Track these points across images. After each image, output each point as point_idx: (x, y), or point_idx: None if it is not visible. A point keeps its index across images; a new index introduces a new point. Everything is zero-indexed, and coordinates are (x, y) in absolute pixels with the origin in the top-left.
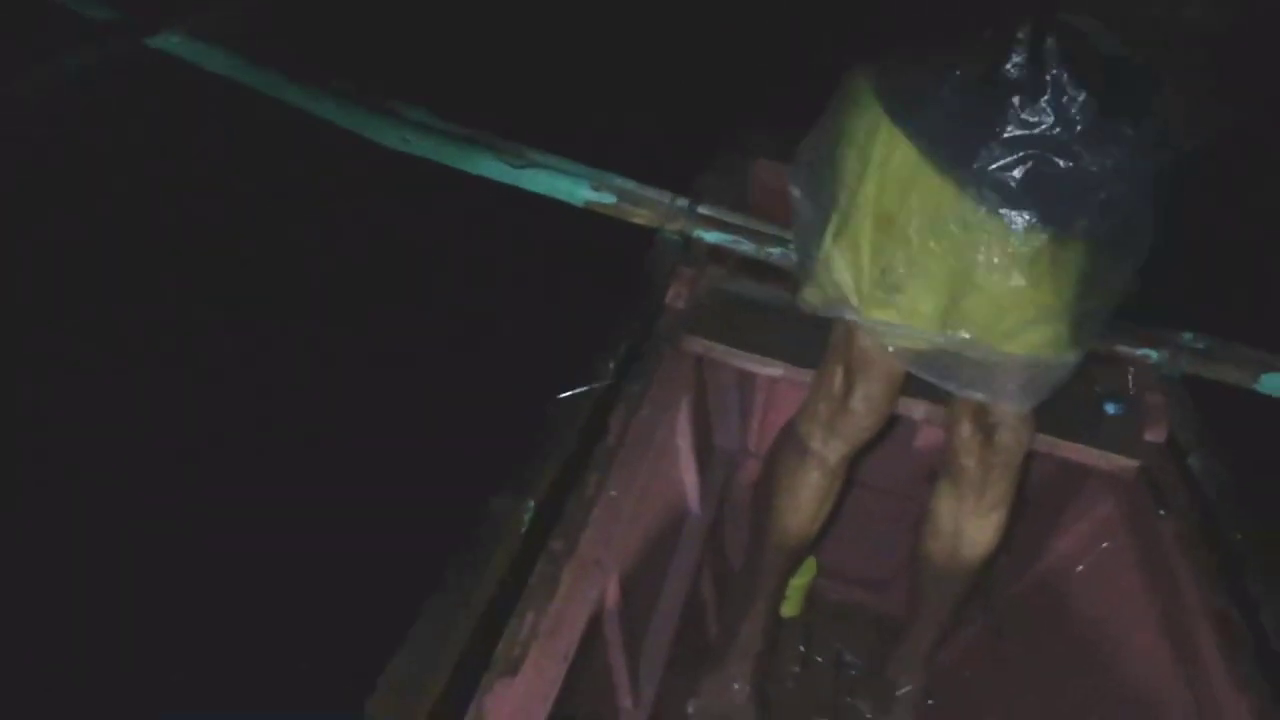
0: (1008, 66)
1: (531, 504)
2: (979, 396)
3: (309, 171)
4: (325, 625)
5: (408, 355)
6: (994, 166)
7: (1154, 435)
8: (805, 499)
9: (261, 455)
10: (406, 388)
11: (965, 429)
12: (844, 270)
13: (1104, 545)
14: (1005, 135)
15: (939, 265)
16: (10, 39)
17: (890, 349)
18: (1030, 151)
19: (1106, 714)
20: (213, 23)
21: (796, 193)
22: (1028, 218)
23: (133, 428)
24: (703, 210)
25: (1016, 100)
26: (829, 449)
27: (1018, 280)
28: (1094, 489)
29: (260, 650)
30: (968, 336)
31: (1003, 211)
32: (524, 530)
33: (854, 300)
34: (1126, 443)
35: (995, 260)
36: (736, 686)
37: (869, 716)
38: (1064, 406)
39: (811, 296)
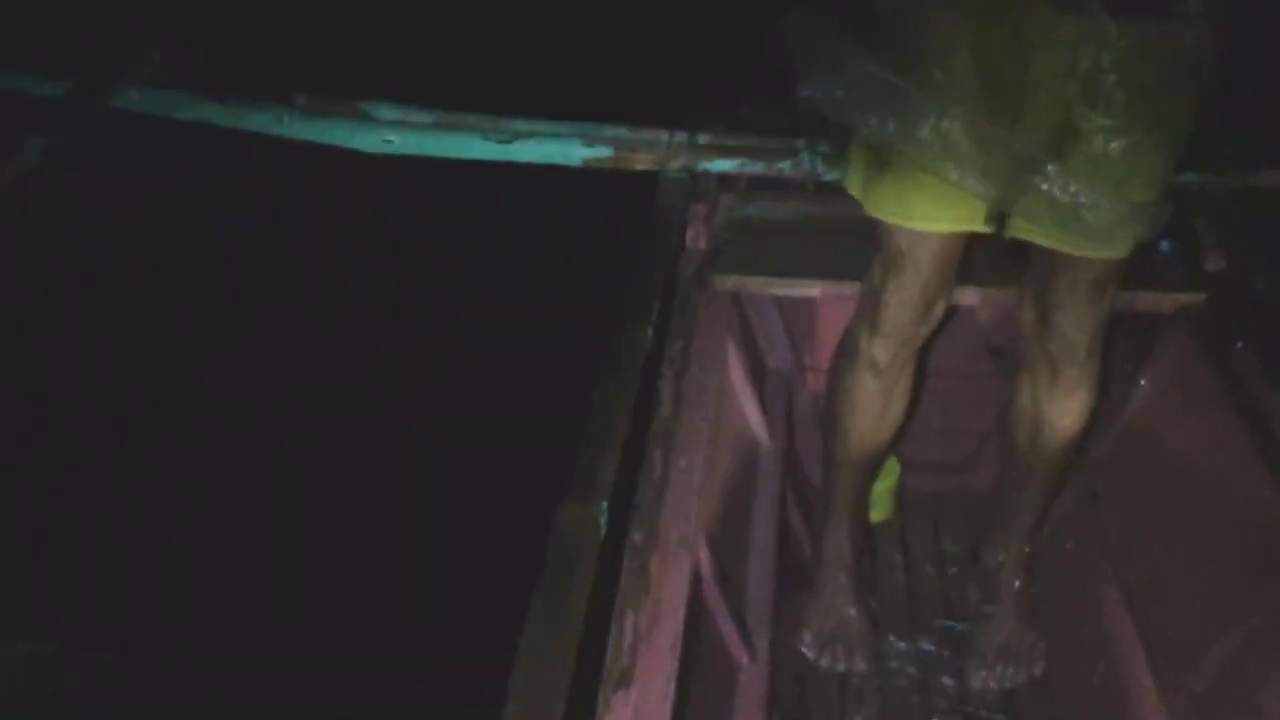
0: None
1: (604, 505)
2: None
3: (303, 191)
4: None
5: (436, 353)
6: None
7: (1214, 264)
8: (863, 404)
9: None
10: (441, 389)
11: (1027, 315)
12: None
13: (1186, 389)
14: None
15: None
16: None
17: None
18: None
19: (1218, 561)
20: (160, 66)
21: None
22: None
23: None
24: (703, 140)
25: None
26: (876, 347)
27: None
28: (1164, 334)
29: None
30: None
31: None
32: (602, 535)
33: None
34: (1187, 278)
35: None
36: (841, 603)
37: (979, 604)
38: None
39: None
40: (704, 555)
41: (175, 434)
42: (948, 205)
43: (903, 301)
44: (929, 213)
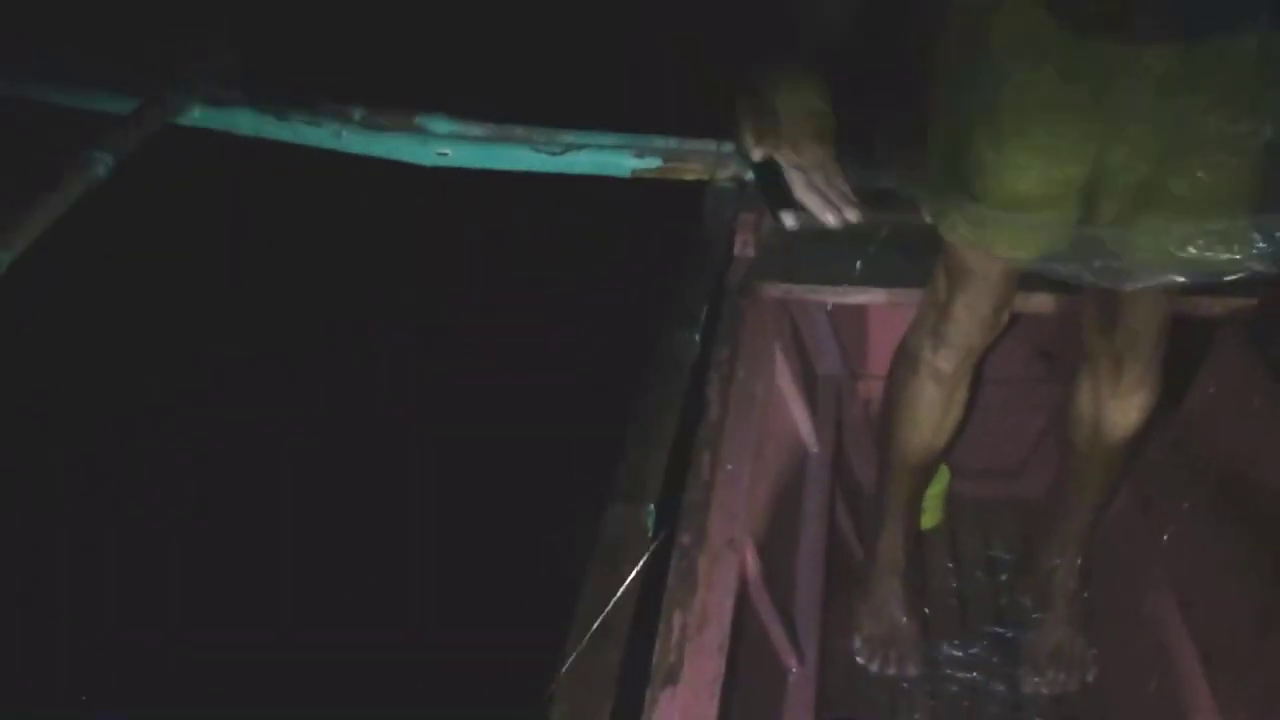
0: None
1: (651, 507)
2: (1111, 284)
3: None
4: (447, 654)
5: (487, 358)
6: None
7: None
8: (924, 412)
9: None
10: (490, 392)
11: (1091, 312)
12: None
13: (1240, 392)
14: None
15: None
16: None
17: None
18: None
19: (1273, 567)
20: (219, 82)
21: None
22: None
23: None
24: None
25: None
26: (940, 358)
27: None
28: (1216, 338)
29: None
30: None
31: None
32: (650, 536)
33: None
34: (1241, 280)
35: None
36: (893, 608)
37: (1031, 612)
38: None
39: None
40: (751, 557)
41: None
42: (1031, 241)
43: (973, 315)
44: (1011, 244)
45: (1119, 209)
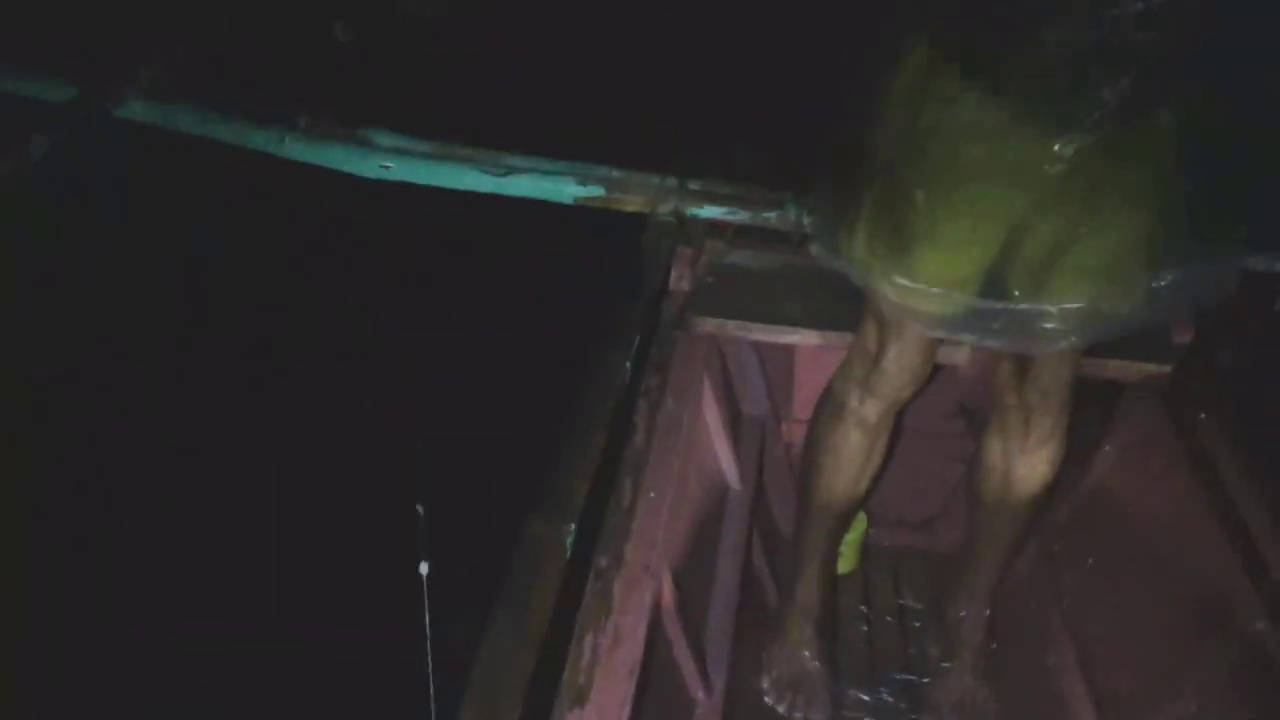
0: None
1: (571, 527)
2: (1021, 350)
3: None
4: (358, 664)
5: (411, 379)
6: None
7: (1181, 336)
8: (847, 459)
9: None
10: (417, 412)
11: (1005, 368)
12: (858, 232)
13: (1148, 456)
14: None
15: (970, 218)
16: None
17: (911, 314)
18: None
19: (1171, 625)
20: (165, 75)
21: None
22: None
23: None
24: (693, 185)
25: None
26: (867, 408)
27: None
28: (1128, 401)
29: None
30: (1004, 302)
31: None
32: (568, 555)
33: (864, 262)
34: (1154, 349)
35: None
36: (804, 652)
37: (938, 661)
38: None
39: (822, 253)
40: (667, 586)
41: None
42: (949, 307)
43: (902, 368)
44: (933, 309)
45: (1027, 281)
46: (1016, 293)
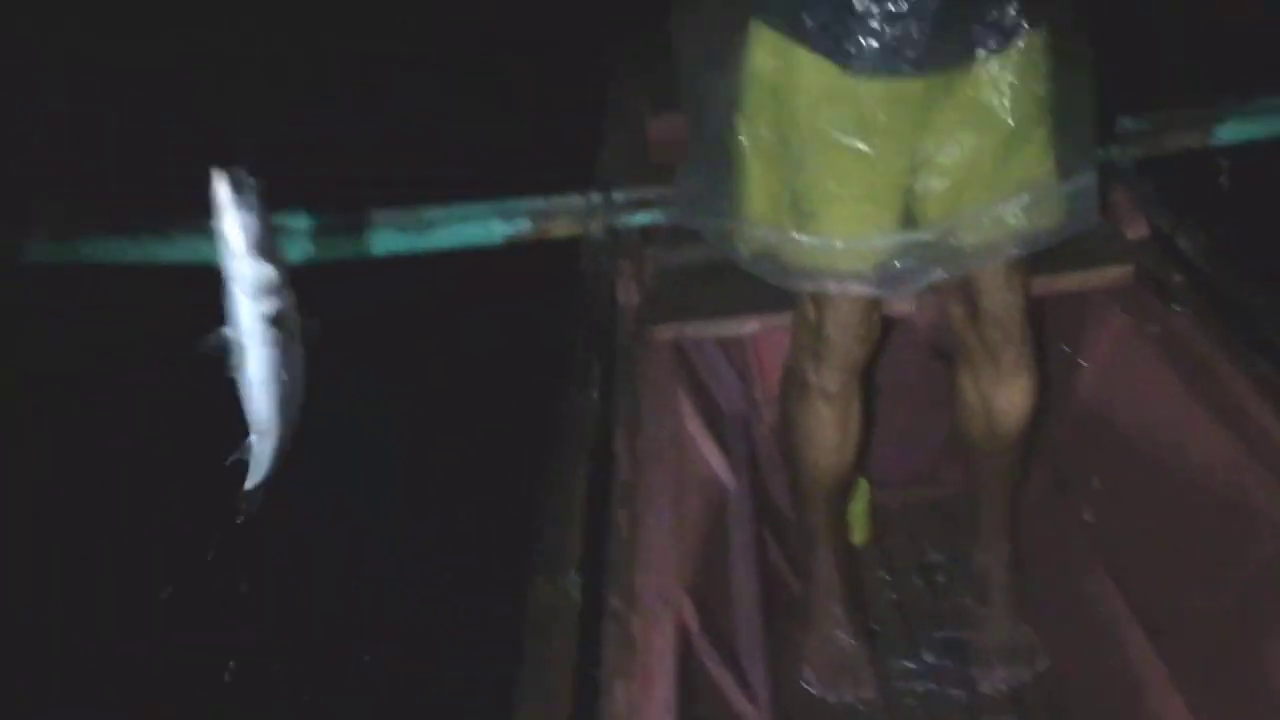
0: None
1: (573, 574)
2: (967, 269)
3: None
4: None
5: (381, 444)
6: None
7: (1136, 232)
8: (821, 432)
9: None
10: (397, 470)
11: (955, 310)
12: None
13: (1131, 361)
14: None
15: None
16: None
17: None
18: None
19: (1195, 525)
20: (64, 214)
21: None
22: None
23: None
24: (619, 197)
25: None
26: (825, 378)
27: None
28: (1099, 309)
29: None
30: (927, 234)
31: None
32: (579, 607)
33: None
34: (1113, 251)
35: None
36: (838, 633)
37: (973, 610)
38: None
39: (744, 251)
40: (688, 609)
41: None
42: (869, 255)
43: (845, 331)
44: (849, 262)
45: (939, 207)
46: (931, 224)
